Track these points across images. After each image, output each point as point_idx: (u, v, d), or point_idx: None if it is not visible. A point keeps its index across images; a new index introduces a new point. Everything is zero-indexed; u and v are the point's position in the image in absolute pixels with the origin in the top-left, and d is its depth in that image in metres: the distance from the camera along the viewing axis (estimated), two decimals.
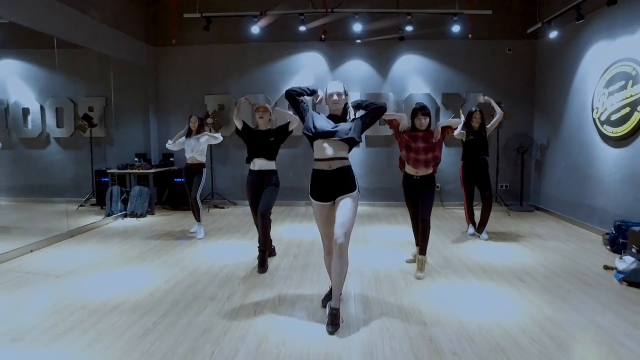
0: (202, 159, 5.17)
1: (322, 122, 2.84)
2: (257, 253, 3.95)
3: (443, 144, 3.93)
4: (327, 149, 2.75)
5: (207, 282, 3.55)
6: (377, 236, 5.16)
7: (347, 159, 2.81)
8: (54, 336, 2.59)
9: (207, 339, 2.56)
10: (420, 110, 3.76)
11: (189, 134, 5.15)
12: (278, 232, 5.22)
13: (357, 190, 2.81)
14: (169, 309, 3.00)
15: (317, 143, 2.80)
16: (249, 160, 4.01)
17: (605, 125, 4.99)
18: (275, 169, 4.02)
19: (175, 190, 7.07)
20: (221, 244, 4.82)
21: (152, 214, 6.67)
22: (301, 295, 3.26)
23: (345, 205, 2.72)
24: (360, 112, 2.92)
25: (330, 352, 2.40)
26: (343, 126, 2.78)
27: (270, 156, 3.97)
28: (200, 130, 5.14)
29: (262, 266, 3.86)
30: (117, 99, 7.34)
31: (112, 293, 3.28)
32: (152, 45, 7.37)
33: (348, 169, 2.80)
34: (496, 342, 2.50)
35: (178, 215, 6.55)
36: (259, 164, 3.95)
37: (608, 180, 4.99)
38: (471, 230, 5.17)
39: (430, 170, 3.76)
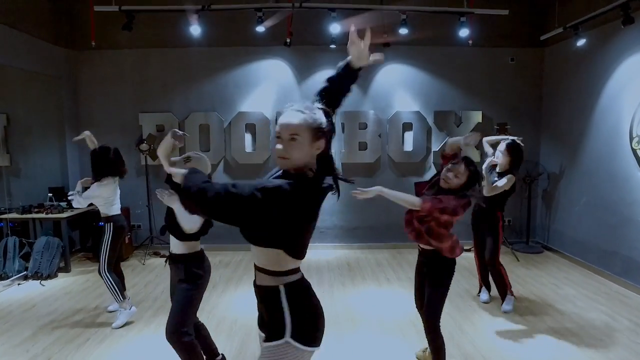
0: (104, 210, 3.62)
1: None
2: None
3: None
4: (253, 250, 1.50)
5: None
6: (367, 311, 3.79)
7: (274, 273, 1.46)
8: None
9: None
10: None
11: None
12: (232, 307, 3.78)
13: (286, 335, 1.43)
14: None
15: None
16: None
17: None
18: (187, 252, 2.43)
19: (99, 235, 5.46)
20: (153, 339, 3.32)
21: (67, 270, 5.04)
22: None
23: None
24: None
25: None
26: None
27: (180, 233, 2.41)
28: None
29: None
30: (23, 117, 5.67)
31: None
32: (68, 48, 5.72)
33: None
34: None
35: (88, 275, 4.93)
36: (171, 244, 2.48)
37: None
38: (485, 296, 3.96)
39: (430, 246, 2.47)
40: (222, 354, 2.74)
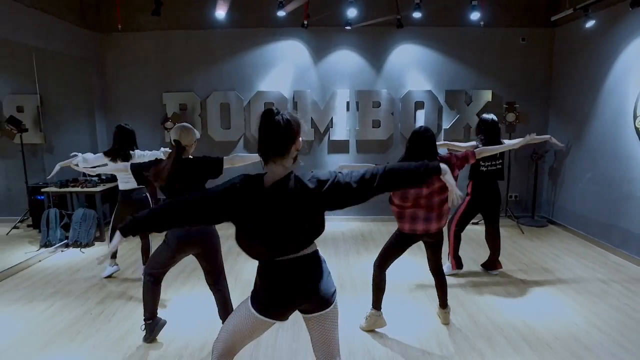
0: (121, 186, 4.04)
1: None
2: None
3: None
4: None
5: None
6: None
7: None
8: None
9: None
10: None
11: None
12: None
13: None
14: None
15: None
16: None
17: None
18: None
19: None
20: (183, 297, 3.74)
21: (102, 240, 5.48)
22: None
23: None
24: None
25: None
26: None
27: None
28: None
29: None
30: (55, 98, 6.00)
31: None
32: (95, 31, 6.00)
33: None
34: None
35: (132, 241, 5.38)
36: None
37: None
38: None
39: None
40: None
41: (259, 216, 1.62)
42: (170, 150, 2.85)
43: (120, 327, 3.20)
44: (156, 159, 2.95)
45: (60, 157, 6.16)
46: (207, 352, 2.85)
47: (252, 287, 1.82)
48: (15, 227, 5.73)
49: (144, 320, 2.94)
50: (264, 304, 1.72)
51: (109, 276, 4.19)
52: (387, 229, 5.83)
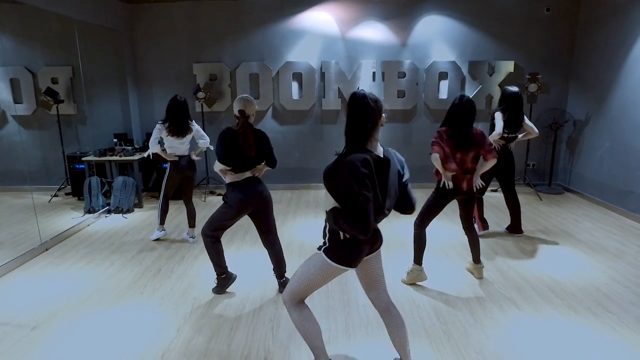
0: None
1: None
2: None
3: None
4: None
5: (231, 327, 2.83)
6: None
7: None
8: None
9: None
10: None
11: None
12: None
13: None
14: None
15: None
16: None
17: None
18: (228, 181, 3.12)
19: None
20: (231, 257, 4.05)
21: (141, 206, 5.78)
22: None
23: None
24: None
25: None
26: None
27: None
28: None
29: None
30: (87, 69, 6.14)
31: (112, 357, 2.52)
32: (125, 1, 6.08)
33: None
34: None
35: (174, 206, 5.67)
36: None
37: None
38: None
39: None
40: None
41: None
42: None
43: (181, 282, 3.52)
44: (224, 131, 2.98)
45: (94, 128, 6.43)
46: (267, 300, 3.17)
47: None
48: (55, 196, 6.02)
49: (218, 275, 3.26)
50: (346, 255, 1.96)
51: (157, 239, 4.50)
52: (418, 195, 6.09)
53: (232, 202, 3.04)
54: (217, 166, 2.97)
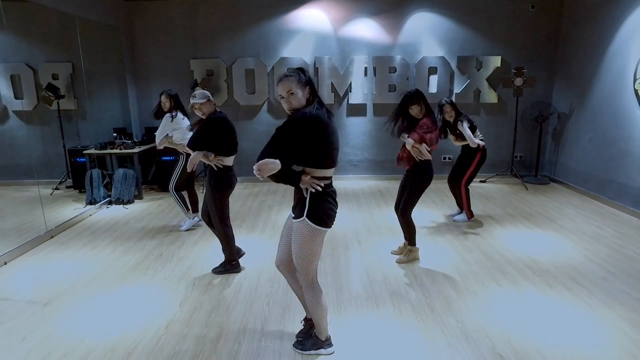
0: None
1: None
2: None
3: None
4: None
5: (230, 302, 3.04)
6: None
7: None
8: None
9: None
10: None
11: (159, 114, 4.47)
12: None
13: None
14: (197, 349, 2.49)
15: None
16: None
17: None
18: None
19: (163, 169, 6.33)
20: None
21: (141, 198, 5.97)
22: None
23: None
24: None
25: None
26: None
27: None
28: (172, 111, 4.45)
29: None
30: (87, 65, 6.32)
31: (117, 330, 2.72)
32: None
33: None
34: None
35: (168, 199, 5.88)
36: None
37: None
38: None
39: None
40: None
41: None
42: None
43: (182, 264, 3.72)
44: (222, 119, 3.50)
45: (93, 123, 6.60)
46: (263, 279, 3.38)
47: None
48: (56, 189, 6.18)
49: (228, 261, 3.55)
50: (328, 217, 2.19)
51: (188, 229, 4.61)
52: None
53: (230, 187, 3.40)
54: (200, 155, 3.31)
